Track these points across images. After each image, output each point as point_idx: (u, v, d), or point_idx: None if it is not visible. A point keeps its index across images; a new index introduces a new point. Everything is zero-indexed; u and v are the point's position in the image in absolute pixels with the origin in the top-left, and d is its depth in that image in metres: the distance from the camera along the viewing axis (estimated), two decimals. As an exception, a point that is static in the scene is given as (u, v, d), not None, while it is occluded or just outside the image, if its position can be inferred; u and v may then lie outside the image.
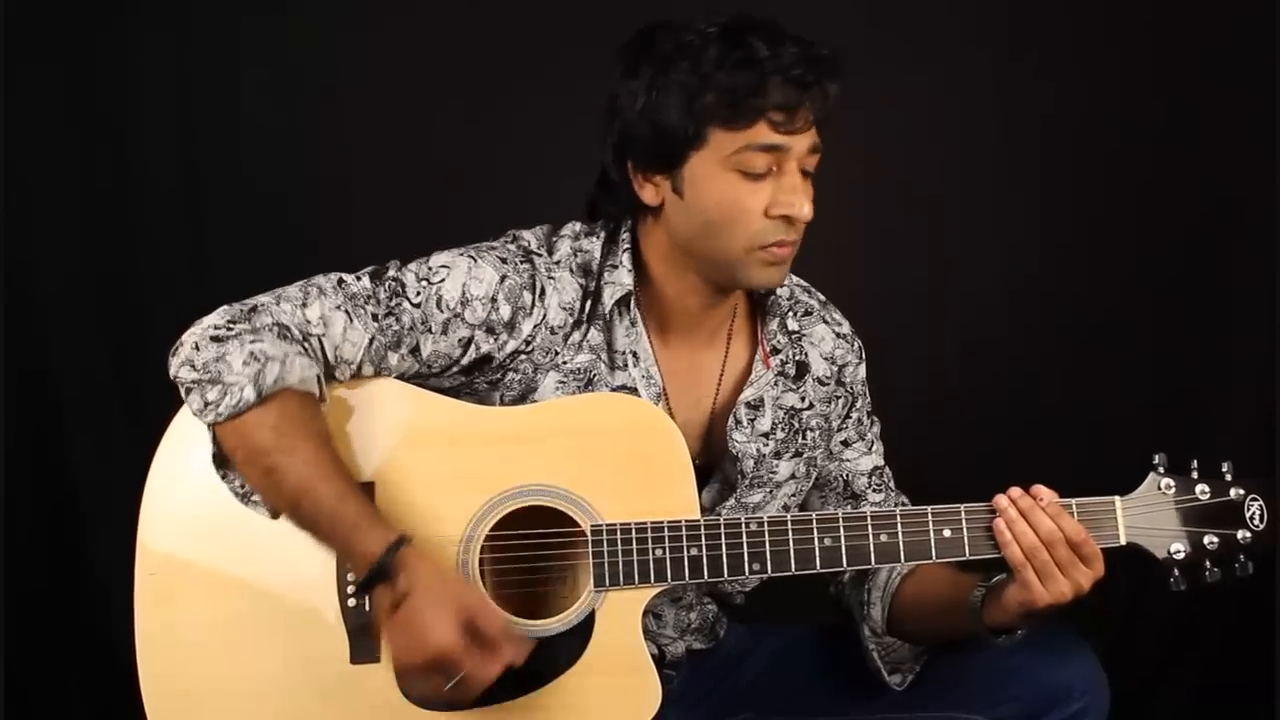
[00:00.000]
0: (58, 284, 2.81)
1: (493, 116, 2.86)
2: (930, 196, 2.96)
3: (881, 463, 1.98)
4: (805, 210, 1.71)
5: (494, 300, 1.74)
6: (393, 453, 1.71)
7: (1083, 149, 2.97)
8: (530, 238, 1.83)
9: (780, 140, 1.68)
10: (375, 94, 2.86)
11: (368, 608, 1.66)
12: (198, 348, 1.63)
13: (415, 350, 1.73)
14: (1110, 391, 3.00)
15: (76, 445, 2.84)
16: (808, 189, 1.73)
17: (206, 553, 1.70)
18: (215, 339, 1.63)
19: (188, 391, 1.64)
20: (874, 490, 1.96)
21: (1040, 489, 1.69)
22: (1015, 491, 1.69)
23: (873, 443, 1.98)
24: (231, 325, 1.65)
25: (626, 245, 1.81)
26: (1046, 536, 1.66)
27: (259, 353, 1.62)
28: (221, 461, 1.67)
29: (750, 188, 1.70)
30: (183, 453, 1.71)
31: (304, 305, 1.69)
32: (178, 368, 1.64)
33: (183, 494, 1.71)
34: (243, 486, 1.68)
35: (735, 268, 1.75)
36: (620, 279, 1.79)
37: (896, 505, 1.96)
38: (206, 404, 1.62)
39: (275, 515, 1.67)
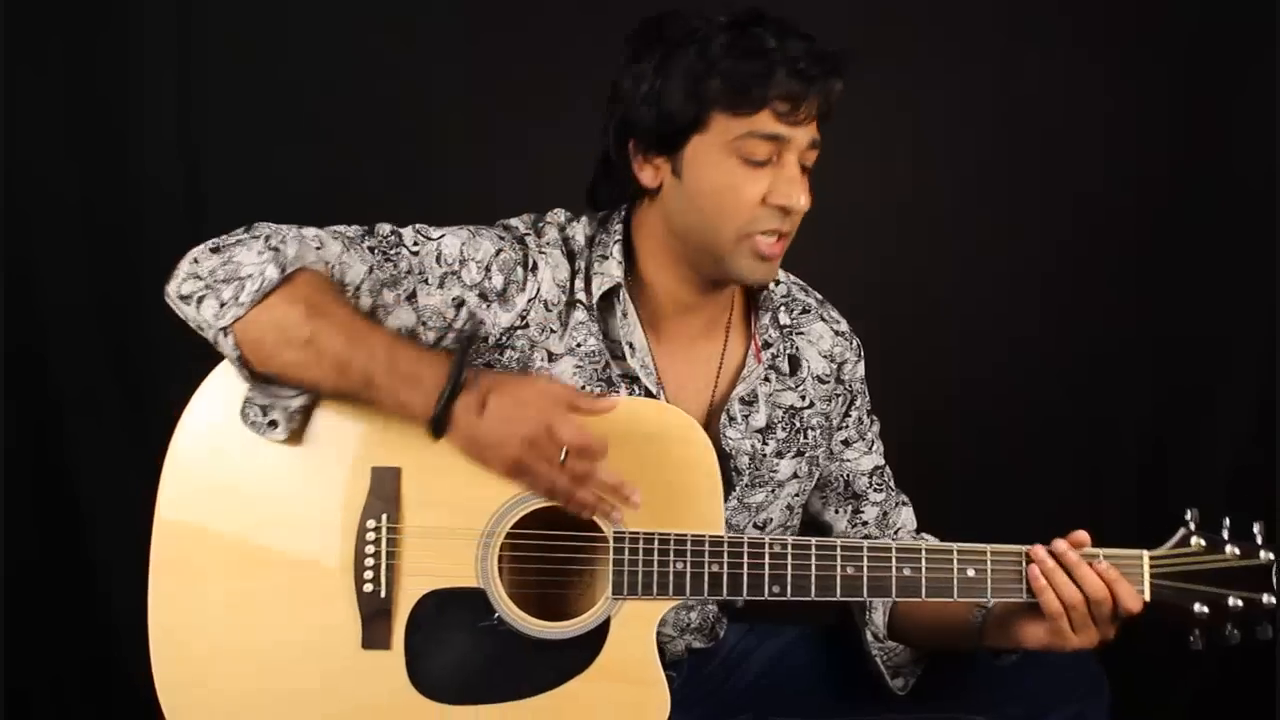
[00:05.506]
0: (58, 284, 2.80)
1: (495, 116, 2.86)
2: (930, 195, 2.96)
3: (882, 462, 1.98)
4: (802, 201, 1.72)
5: (488, 268, 1.75)
6: (421, 441, 1.67)
7: (1084, 150, 2.96)
8: (519, 223, 1.84)
9: (782, 130, 1.69)
10: (376, 93, 2.85)
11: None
12: (197, 261, 1.63)
13: (412, 297, 1.72)
14: (1110, 391, 3.00)
15: (76, 445, 2.83)
16: (805, 182, 1.73)
17: (225, 525, 1.69)
18: (215, 250, 1.63)
19: (198, 301, 1.61)
20: (875, 490, 1.95)
21: (1079, 536, 1.65)
22: (1060, 545, 1.64)
23: (873, 442, 1.98)
24: (229, 237, 1.65)
25: (619, 236, 1.81)
26: (1093, 594, 1.62)
27: (270, 243, 1.63)
28: (244, 364, 1.63)
29: (749, 174, 1.70)
30: (207, 424, 1.70)
31: (299, 228, 1.69)
32: (179, 284, 1.62)
33: (205, 465, 1.69)
34: (263, 412, 1.65)
35: (724, 258, 1.74)
36: (610, 270, 1.79)
37: (897, 505, 1.97)
38: (224, 303, 1.60)
39: (308, 402, 1.65)
